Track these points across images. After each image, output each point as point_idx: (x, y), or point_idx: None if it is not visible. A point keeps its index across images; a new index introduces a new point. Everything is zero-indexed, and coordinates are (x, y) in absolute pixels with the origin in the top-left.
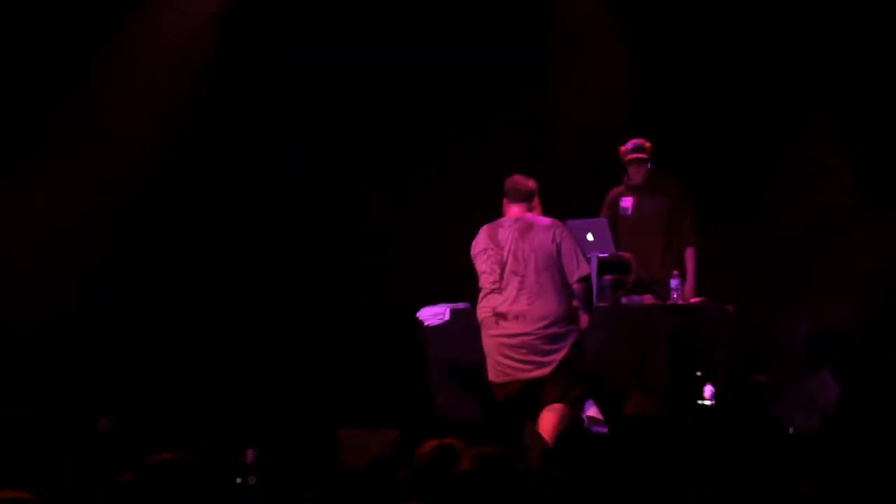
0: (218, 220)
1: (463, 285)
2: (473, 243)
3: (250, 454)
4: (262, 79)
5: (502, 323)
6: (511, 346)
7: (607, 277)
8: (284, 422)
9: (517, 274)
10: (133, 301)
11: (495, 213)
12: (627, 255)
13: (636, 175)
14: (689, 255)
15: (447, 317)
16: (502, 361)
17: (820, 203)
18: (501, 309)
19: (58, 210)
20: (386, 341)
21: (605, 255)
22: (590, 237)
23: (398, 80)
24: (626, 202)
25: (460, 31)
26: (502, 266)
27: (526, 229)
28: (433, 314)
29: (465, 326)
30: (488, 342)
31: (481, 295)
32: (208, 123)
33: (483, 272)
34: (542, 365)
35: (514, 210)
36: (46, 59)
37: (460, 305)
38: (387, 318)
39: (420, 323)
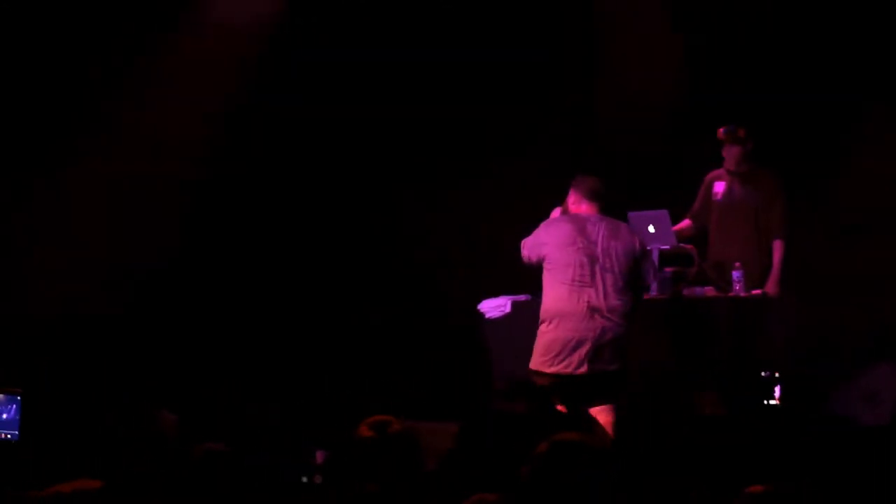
0: (261, 220)
1: (519, 279)
2: (554, 231)
3: (320, 455)
4: (307, 81)
5: (597, 317)
6: (590, 339)
7: (668, 269)
8: (347, 418)
9: (611, 271)
10: (182, 296)
11: (541, 209)
12: (689, 246)
13: (728, 158)
14: (776, 247)
15: (508, 309)
16: (583, 352)
17: (884, 192)
18: (596, 303)
19: (103, 207)
20: (445, 334)
21: (667, 247)
22: (651, 229)
23: (436, 81)
24: (719, 186)
25: (503, 30)
26: (593, 261)
27: (615, 229)
28: (494, 306)
29: (526, 318)
30: (550, 335)
31: (549, 287)
32: (252, 125)
33: (567, 263)
34: (615, 360)
35: (585, 207)
36: (95, 55)
37: (522, 297)
38: (445, 311)
39: (481, 315)
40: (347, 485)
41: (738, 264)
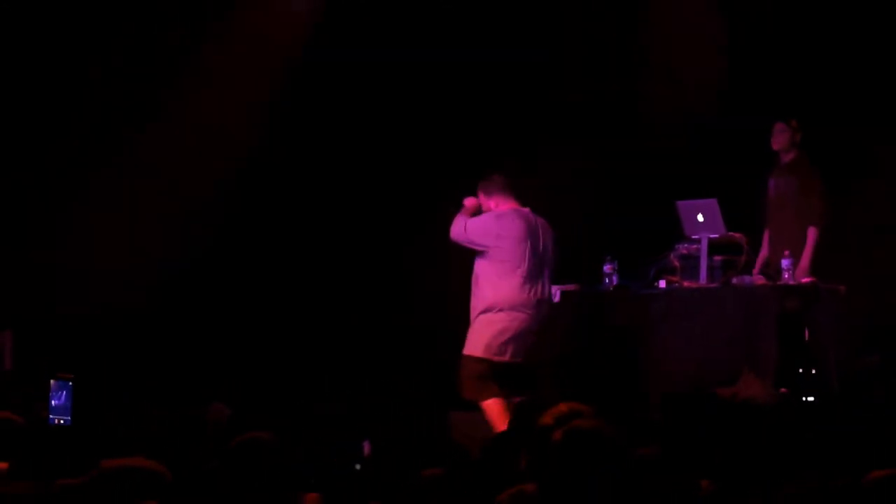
0: (306, 217)
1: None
2: (509, 225)
3: (366, 446)
4: (349, 79)
5: (540, 308)
6: (534, 330)
7: (717, 258)
8: (394, 408)
9: (549, 265)
10: (232, 290)
11: (587, 198)
12: (738, 235)
13: (774, 142)
14: (809, 233)
15: (557, 298)
16: (526, 341)
17: None
18: (542, 296)
19: (149, 204)
20: None
21: (716, 235)
22: (700, 218)
23: (479, 77)
24: (770, 182)
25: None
26: (538, 256)
27: (546, 224)
28: None
29: (576, 308)
30: (517, 324)
31: (501, 278)
32: (297, 121)
33: (522, 258)
34: (543, 348)
35: (512, 202)
36: (139, 56)
37: (570, 287)
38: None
39: None
40: (400, 472)
41: (787, 252)
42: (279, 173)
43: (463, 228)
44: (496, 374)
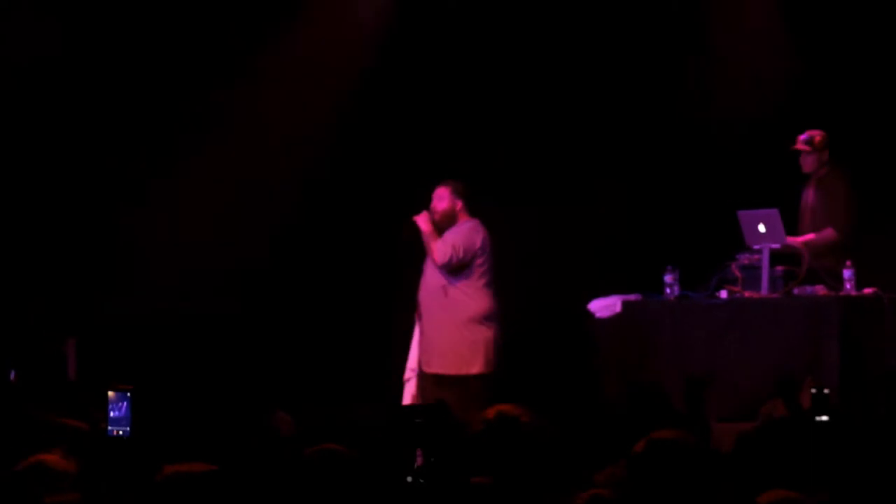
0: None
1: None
2: (482, 238)
3: (419, 456)
4: (420, 84)
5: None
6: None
7: (779, 268)
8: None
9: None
10: (295, 296)
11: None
12: (800, 245)
13: (803, 165)
14: (826, 231)
15: (618, 308)
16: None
17: None
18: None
19: (215, 207)
20: (554, 332)
21: (777, 245)
22: (761, 228)
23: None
24: (803, 194)
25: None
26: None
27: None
28: (604, 306)
29: (636, 318)
30: (491, 335)
31: (484, 289)
32: (364, 127)
33: (492, 269)
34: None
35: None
36: (206, 57)
37: (632, 297)
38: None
39: (590, 315)
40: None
41: (848, 263)
42: (345, 178)
43: (451, 250)
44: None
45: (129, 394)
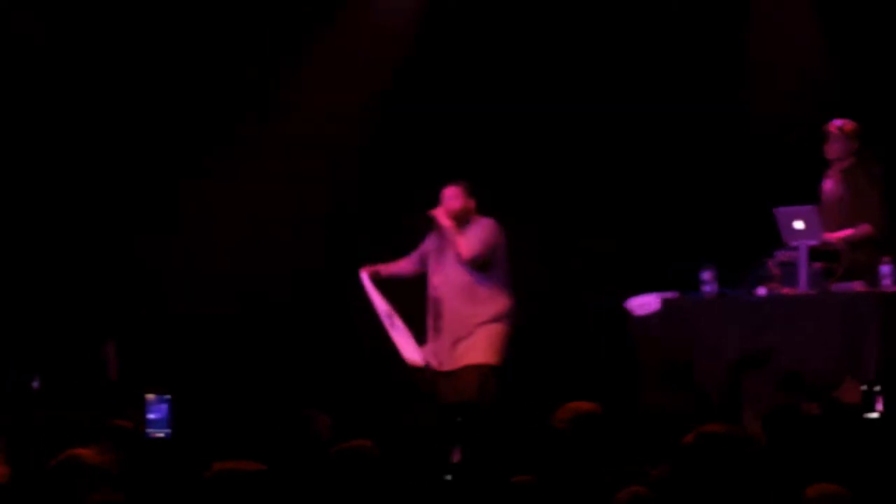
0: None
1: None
2: (503, 234)
3: (456, 454)
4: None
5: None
6: None
7: (817, 265)
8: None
9: None
10: (328, 300)
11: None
12: (838, 242)
13: (829, 157)
14: (863, 227)
15: (656, 306)
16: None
17: None
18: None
19: (258, 208)
20: (592, 331)
21: (815, 242)
22: (799, 225)
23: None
24: (825, 185)
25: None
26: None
27: None
28: (642, 303)
29: (674, 315)
30: (509, 331)
31: (506, 287)
32: (405, 125)
33: (508, 269)
34: None
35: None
36: (237, 67)
37: (670, 294)
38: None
39: (628, 313)
40: (492, 479)
41: (886, 259)
42: (374, 182)
43: (480, 245)
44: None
45: (168, 397)
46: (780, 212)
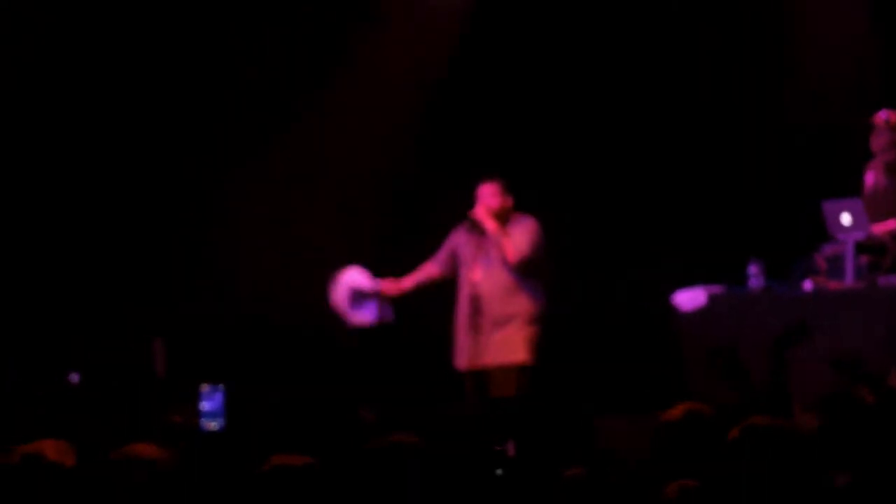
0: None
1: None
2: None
3: (510, 448)
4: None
5: None
6: None
7: (864, 258)
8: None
9: None
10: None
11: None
12: (885, 235)
13: (874, 143)
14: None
15: (703, 300)
16: None
17: None
18: None
19: (293, 205)
20: (639, 324)
21: (862, 235)
22: (846, 218)
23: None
24: (868, 178)
25: None
26: None
27: None
28: (689, 298)
29: (722, 310)
30: (541, 332)
31: (543, 287)
32: (444, 129)
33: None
34: None
35: None
36: (287, 57)
37: (717, 289)
38: (638, 300)
39: (676, 308)
40: (545, 473)
41: None
42: (428, 175)
43: (528, 248)
44: None
45: (221, 387)
46: (828, 205)
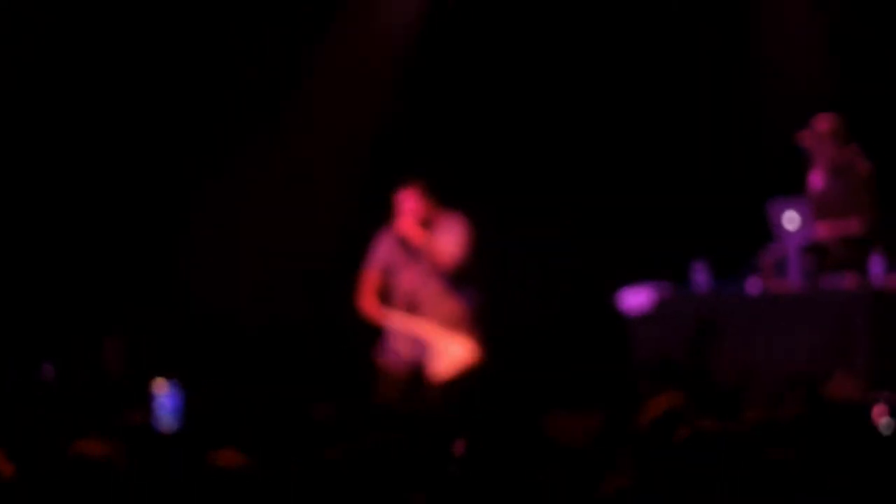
0: None
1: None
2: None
3: (459, 447)
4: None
5: None
6: None
7: (808, 259)
8: (489, 410)
9: None
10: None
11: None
12: (828, 236)
13: (816, 146)
14: (853, 222)
15: (650, 301)
16: None
17: None
18: None
19: (264, 208)
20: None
21: (806, 237)
22: (791, 219)
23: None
24: (812, 178)
25: None
26: None
27: None
28: (635, 300)
29: (667, 310)
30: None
31: (474, 289)
32: (415, 122)
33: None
34: None
35: None
36: (259, 59)
37: (663, 288)
38: (588, 298)
39: (622, 307)
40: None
41: (876, 254)
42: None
43: (455, 248)
44: None
45: (177, 385)
46: (773, 204)
